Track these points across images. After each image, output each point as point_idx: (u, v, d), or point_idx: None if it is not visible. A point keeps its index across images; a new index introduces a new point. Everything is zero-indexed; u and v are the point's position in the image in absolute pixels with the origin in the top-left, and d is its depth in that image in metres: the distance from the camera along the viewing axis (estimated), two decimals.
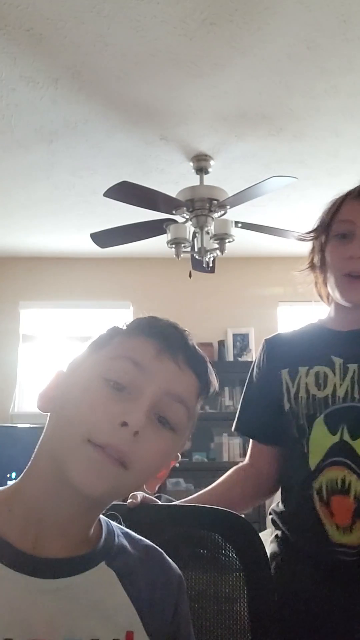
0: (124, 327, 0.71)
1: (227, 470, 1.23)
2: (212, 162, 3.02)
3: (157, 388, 0.64)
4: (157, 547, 0.74)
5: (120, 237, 3.16)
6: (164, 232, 3.03)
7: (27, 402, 4.49)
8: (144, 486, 0.69)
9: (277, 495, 1.20)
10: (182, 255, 2.99)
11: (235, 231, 2.92)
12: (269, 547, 1.11)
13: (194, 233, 3.02)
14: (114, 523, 0.74)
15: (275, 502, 1.18)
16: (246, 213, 3.33)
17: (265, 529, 2.73)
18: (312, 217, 1.23)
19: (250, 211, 3.43)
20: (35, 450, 0.67)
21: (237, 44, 2.13)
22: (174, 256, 2.97)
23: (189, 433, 0.71)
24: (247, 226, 3.01)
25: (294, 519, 1.09)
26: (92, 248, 3.34)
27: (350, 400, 1.04)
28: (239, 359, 4.49)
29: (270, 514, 1.17)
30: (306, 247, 1.23)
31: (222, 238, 2.89)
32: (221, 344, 4.58)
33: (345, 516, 1.00)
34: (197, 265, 3.24)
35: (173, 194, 2.89)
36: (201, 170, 3.03)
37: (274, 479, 1.19)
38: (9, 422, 4.26)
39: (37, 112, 2.56)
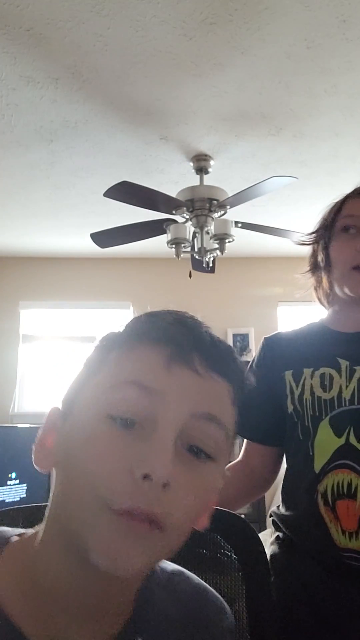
0: (119, 333, 0.56)
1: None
2: (212, 162, 3.02)
3: (177, 413, 0.49)
4: (204, 591, 0.61)
5: (120, 237, 3.16)
6: (164, 232, 3.03)
7: (27, 402, 4.50)
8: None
9: (278, 497, 1.19)
10: (182, 255, 2.99)
11: (235, 231, 2.92)
12: (269, 548, 1.10)
13: (194, 233, 3.02)
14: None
15: (276, 504, 1.17)
16: (246, 213, 3.33)
17: (265, 529, 2.73)
18: (312, 217, 1.23)
19: (250, 211, 3.43)
20: (46, 515, 0.53)
21: (237, 43, 2.13)
22: (174, 256, 2.97)
23: (231, 451, 0.56)
24: (247, 226, 3.01)
25: (297, 522, 1.08)
26: (92, 248, 3.34)
27: (357, 402, 1.03)
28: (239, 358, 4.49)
29: (270, 515, 1.17)
30: (306, 247, 1.22)
31: (222, 238, 2.89)
32: None
33: (351, 521, 0.98)
34: (197, 265, 3.24)
35: (173, 194, 2.89)
36: (201, 170, 3.03)
37: (265, 478, 1.19)
38: (9, 422, 4.26)
39: (37, 111, 2.56)
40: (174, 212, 2.89)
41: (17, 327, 4.62)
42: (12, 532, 0.57)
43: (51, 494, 0.53)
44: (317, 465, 1.04)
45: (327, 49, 2.17)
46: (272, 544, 1.13)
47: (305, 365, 1.10)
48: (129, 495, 0.46)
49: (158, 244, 3.43)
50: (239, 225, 2.95)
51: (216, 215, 2.95)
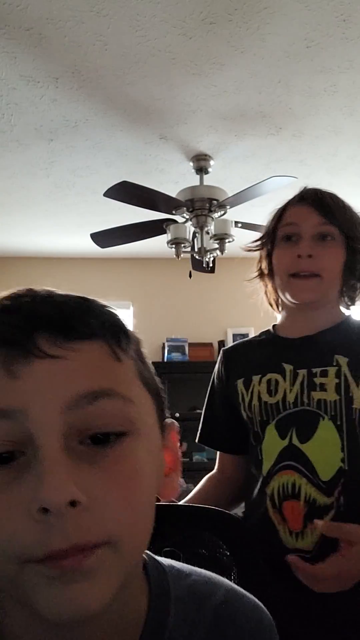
0: None
1: None
2: (211, 162, 3.02)
3: (49, 416, 0.39)
4: (236, 595, 0.54)
5: (120, 237, 3.16)
6: (164, 232, 3.03)
7: None
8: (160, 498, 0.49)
9: None
10: (182, 255, 2.99)
11: (235, 231, 2.92)
12: None
13: (194, 233, 3.02)
14: (174, 571, 0.53)
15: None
16: (246, 213, 3.33)
17: None
18: None
19: (250, 211, 3.43)
20: None
21: (237, 43, 2.13)
22: (174, 256, 2.97)
23: (151, 398, 0.47)
24: (247, 226, 3.01)
25: (252, 526, 1.10)
26: (92, 248, 3.34)
27: (300, 405, 1.06)
28: None
29: None
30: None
31: (222, 238, 2.89)
32: (221, 344, 4.58)
33: (297, 521, 1.00)
34: (197, 265, 3.24)
35: (173, 194, 2.88)
36: (201, 170, 3.03)
37: (243, 485, 1.21)
38: None
39: (37, 111, 2.56)
40: (174, 212, 2.89)
41: None
42: None
43: None
44: (265, 469, 1.07)
45: (326, 48, 2.17)
46: None
47: (254, 372, 1.14)
48: (41, 539, 0.37)
49: (158, 244, 3.43)
50: (239, 225, 2.95)
51: (216, 215, 2.95)
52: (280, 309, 1.22)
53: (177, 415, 4.16)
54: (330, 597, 0.95)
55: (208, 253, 3.01)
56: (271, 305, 1.25)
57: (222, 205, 2.88)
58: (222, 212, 2.94)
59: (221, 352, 1.28)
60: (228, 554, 0.79)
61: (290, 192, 1.22)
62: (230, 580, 0.71)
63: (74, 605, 0.38)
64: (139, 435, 0.43)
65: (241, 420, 1.15)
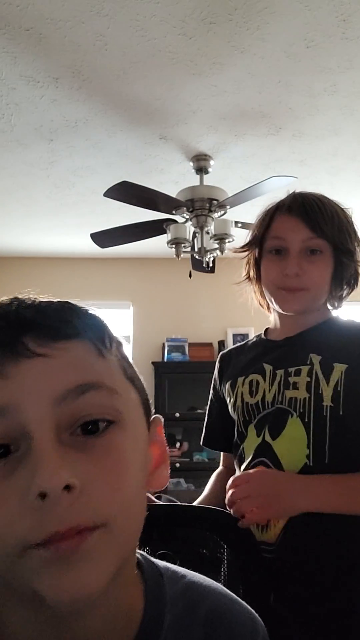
0: None
1: None
2: (211, 162, 3.02)
3: (39, 410, 0.42)
4: (229, 600, 0.55)
5: (120, 237, 3.16)
6: (164, 232, 3.03)
7: None
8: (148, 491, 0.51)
9: None
10: (182, 255, 2.99)
11: (235, 231, 2.92)
12: None
13: (194, 233, 3.02)
14: (169, 573, 0.54)
15: None
16: (246, 213, 3.33)
17: None
18: None
19: (250, 211, 3.43)
20: None
21: (237, 43, 2.13)
22: (174, 256, 2.97)
23: (136, 391, 0.50)
24: (247, 226, 3.01)
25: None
26: (92, 248, 3.34)
27: (277, 403, 1.09)
28: None
29: None
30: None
31: (222, 238, 2.89)
32: (221, 344, 4.58)
33: None
34: (197, 265, 3.24)
35: (173, 194, 2.88)
36: (201, 170, 3.03)
37: None
38: None
39: (37, 111, 2.56)
40: (174, 212, 2.89)
41: None
42: None
43: None
44: (244, 465, 1.11)
45: (326, 48, 2.17)
46: None
47: (239, 374, 1.18)
48: (39, 524, 0.39)
49: (158, 244, 3.43)
50: (239, 225, 2.95)
51: (216, 215, 2.95)
52: (270, 310, 1.25)
53: (177, 415, 4.16)
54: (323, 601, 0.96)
55: (208, 253, 3.01)
56: (261, 306, 1.27)
57: (222, 205, 2.88)
58: (222, 212, 2.94)
59: (218, 356, 1.32)
60: (229, 553, 0.79)
61: (290, 191, 1.22)
62: (230, 580, 0.71)
63: (73, 587, 0.40)
64: (125, 425, 0.45)
65: (232, 421, 1.19)
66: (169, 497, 1.40)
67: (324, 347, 1.09)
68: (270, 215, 1.16)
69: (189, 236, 3.00)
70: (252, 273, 1.22)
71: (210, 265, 3.14)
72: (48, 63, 2.22)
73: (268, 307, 1.24)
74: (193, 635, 0.51)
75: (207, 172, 3.04)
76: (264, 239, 1.16)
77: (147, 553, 0.56)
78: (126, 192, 2.68)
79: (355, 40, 2.12)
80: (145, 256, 4.57)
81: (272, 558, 1.00)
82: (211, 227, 2.93)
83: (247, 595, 0.77)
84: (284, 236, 1.11)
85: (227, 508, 0.97)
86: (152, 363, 4.37)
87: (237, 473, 1.13)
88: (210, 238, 2.94)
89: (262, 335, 1.26)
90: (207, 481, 1.34)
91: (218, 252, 2.97)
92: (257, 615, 0.56)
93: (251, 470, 1.03)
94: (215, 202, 2.89)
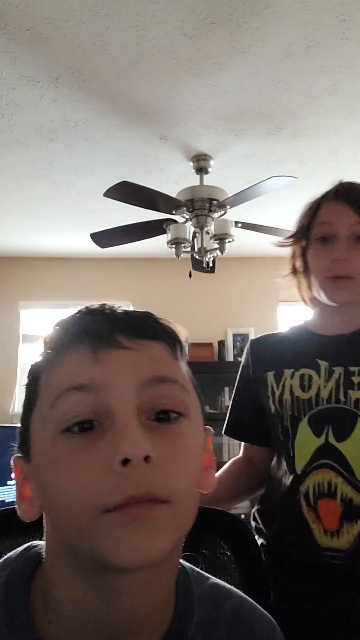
0: (41, 359, 0.54)
1: None
2: (211, 162, 3.02)
3: (126, 392, 0.48)
4: (250, 604, 0.60)
5: (120, 237, 3.16)
6: (164, 232, 3.03)
7: None
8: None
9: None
10: (182, 255, 2.99)
11: (235, 231, 2.92)
12: None
13: (194, 233, 3.01)
14: (195, 573, 0.59)
15: (255, 508, 1.19)
16: (246, 213, 3.33)
17: None
18: None
19: (250, 211, 3.43)
20: (45, 554, 0.53)
21: (237, 43, 2.13)
22: (174, 256, 2.97)
23: (197, 398, 0.56)
24: (247, 226, 3.01)
25: (277, 522, 1.09)
26: (92, 248, 3.34)
27: (334, 402, 1.04)
28: (239, 359, 4.46)
29: (254, 519, 1.17)
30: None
31: (222, 238, 2.88)
32: (221, 344, 4.58)
33: (332, 520, 0.99)
34: (197, 265, 3.24)
35: (173, 194, 2.88)
36: (201, 170, 3.03)
37: (266, 472, 1.20)
38: (9, 422, 4.25)
39: (37, 111, 2.56)
40: (174, 212, 2.89)
41: (17, 327, 4.62)
42: (40, 548, 0.56)
43: (46, 533, 0.52)
44: (299, 466, 1.05)
45: (326, 49, 2.17)
46: None
47: (286, 366, 1.12)
48: (118, 487, 0.44)
49: (158, 244, 3.43)
50: (239, 225, 2.95)
51: (216, 215, 2.95)
52: (313, 305, 1.20)
53: None
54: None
55: (208, 253, 3.01)
56: (304, 302, 1.22)
57: (222, 205, 2.88)
58: (222, 212, 2.94)
59: (249, 342, 1.25)
60: (229, 554, 0.79)
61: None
62: (229, 581, 0.71)
63: (143, 547, 0.44)
64: (191, 419, 0.52)
65: (267, 413, 1.13)
66: None
67: None
68: (317, 205, 1.14)
69: (189, 236, 3.00)
70: (298, 264, 1.18)
71: (210, 265, 3.13)
72: (48, 63, 2.22)
73: (311, 302, 1.20)
74: (219, 633, 0.55)
75: (207, 172, 3.04)
76: (311, 228, 1.13)
77: None
78: (126, 192, 2.68)
79: (355, 40, 2.12)
80: (145, 256, 4.57)
81: (343, 565, 0.97)
82: (211, 227, 2.93)
83: (248, 594, 0.77)
84: (331, 221, 1.09)
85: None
86: None
87: (281, 469, 1.09)
88: (210, 238, 2.94)
89: (305, 328, 1.20)
90: None
91: (218, 252, 2.97)
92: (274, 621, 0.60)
93: None
94: (215, 202, 2.89)
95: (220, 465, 1.30)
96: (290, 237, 1.19)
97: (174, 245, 2.93)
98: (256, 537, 1.15)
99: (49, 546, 0.52)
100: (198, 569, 0.60)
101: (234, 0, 1.92)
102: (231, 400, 1.27)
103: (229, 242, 2.91)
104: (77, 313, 0.55)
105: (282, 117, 2.65)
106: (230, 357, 4.53)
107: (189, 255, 3.21)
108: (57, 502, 0.47)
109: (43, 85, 2.36)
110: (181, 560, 0.57)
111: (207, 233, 2.95)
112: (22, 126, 2.68)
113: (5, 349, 4.54)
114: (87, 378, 0.48)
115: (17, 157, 3.00)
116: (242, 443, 1.27)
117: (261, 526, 1.13)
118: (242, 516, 3.71)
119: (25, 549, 0.56)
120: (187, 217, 2.97)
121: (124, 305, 0.57)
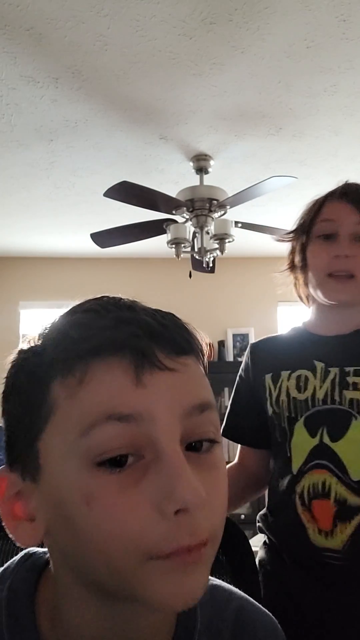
0: (41, 354, 0.46)
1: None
2: (212, 162, 3.02)
3: (170, 422, 0.43)
4: (251, 605, 0.58)
5: (120, 237, 3.16)
6: (164, 232, 3.03)
7: None
8: None
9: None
10: (182, 255, 2.99)
11: (235, 231, 2.92)
12: (258, 554, 1.12)
13: (194, 233, 3.01)
14: None
15: (263, 509, 1.19)
16: (246, 213, 3.33)
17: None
18: None
19: (250, 211, 3.43)
20: (52, 568, 0.49)
21: (237, 43, 2.13)
22: (174, 256, 2.97)
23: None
24: (247, 226, 3.01)
25: (277, 523, 1.09)
26: (92, 248, 3.34)
27: (330, 402, 1.04)
28: (239, 359, 4.49)
29: (258, 521, 1.18)
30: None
31: (222, 238, 2.88)
32: (221, 344, 4.58)
33: (326, 520, 0.99)
34: (197, 265, 3.24)
35: (173, 194, 2.88)
36: (201, 170, 3.03)
37: (262, 479, 1.20)
38: None
39: (37, 111, 2.56)
40: (174, 212, 2.89)
41: (17, 327, 4.62)
42: (45, 556, 0.53)
43: (52, 554, 0.48)
44: (295, 467, 1.05)
45: (327, 49, 2.17)
46: (260, 548, 1.14)
47: (283, 368, 1.12)
48: (171, 536, 0.40)
49: (158, 244, 3.43)
50: (239, 225, 2.95)
51: (216, 215, 2.95)
52: (310, 303, 1.20)
53: None
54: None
55: (208, 253, 3.01)
56: (301, 299, 1.22)
57: (222, 205, 2.88)
58: (222, 212, 2.94)
59: (249, 346, 1.25)
60: (222, 557, 0.79)
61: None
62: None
63: (189, 593, 0.42)
64: (220, 443, 0.48)
65: (266, 415, 1.13)
66: None
67: None
68: (321, 202, 1.14)
69: (189, 236, 3.00)
70: (297, 260, 1.17)
71: (210, 265, 3.13)
72: (48, 63, 2.22)
73: (307, 299, 1.20)
74: (222, 636, 0.54)
75: (207, 172, 3.04)
76: (312, 225, 1.12)
77: None
78: (126, 192, 2.68)
79: (355, 40, 2.12)
80: (145, 256, 4.57)
81: (339, 565, 0.97)
82: (211, 227, 2.93)
83: None
84: (335, 218, 1.09)
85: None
86: None
87: (280, 470, 1.10)
88: (210, 238, 2.94)
89: (302, 328, 1.20)
90: None
91: (218, 252, 2.97)
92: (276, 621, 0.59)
93: None
94: (215, 202, 2.89)
95: None
96: (290, 232, 1.19)
97: (174, 245, 2.93)
98: (261, 535, 1.16)
99: (58, 570, 0.47)
100: None
101: (234, 0, 1.92)
102: (230, 402, 1.28)
103: (229, 242, 2.91)
104: (99, 310, 0.47)
105: (282, 117, 2.65)
106: (230, 357, 4.53)
107: (189, 255, 3.21)
108: (92, 541, 0.41)
109: (43, 85, 2.36)
110: None
111: (207, 233, 2.95)
112: (22, 126, 2.68)
113: (5, 349, 4.53)
114: (129, 406, 0.42)
115: (17, 158, 3.00)
116: (239, 447, 1.27)
117: (264, 528, 1.13)
118: (242, 516, 3.70)
119: (23, 557, 0.53)
120: (187, 217, 2.97)
121: None
